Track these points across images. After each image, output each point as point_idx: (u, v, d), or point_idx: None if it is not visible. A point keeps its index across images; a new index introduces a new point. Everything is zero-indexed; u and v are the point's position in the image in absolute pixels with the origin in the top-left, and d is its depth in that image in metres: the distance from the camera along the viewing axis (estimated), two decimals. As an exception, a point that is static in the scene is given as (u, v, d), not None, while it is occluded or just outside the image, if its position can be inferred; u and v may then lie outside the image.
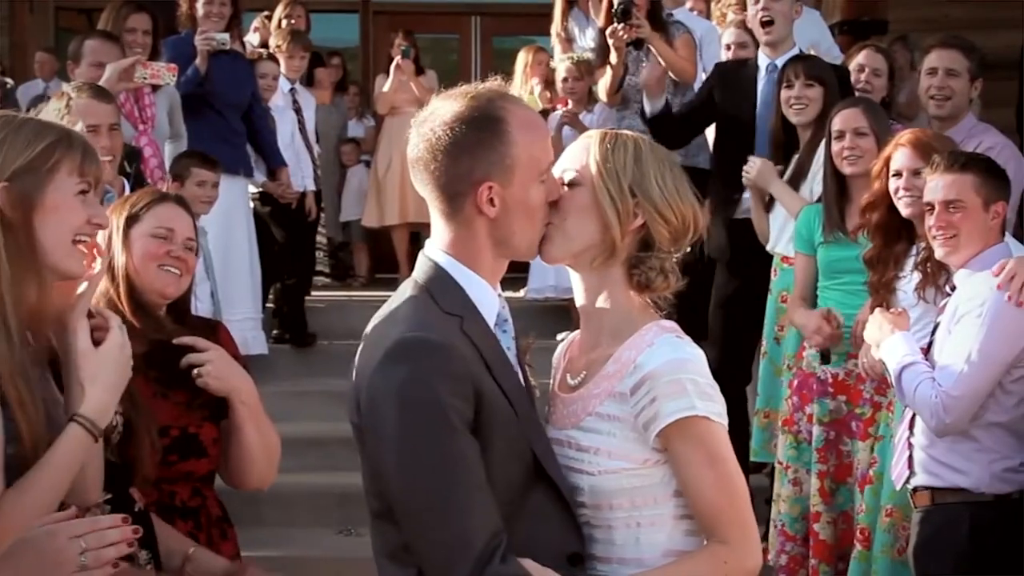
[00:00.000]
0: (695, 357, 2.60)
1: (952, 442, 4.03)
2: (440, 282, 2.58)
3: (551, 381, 2.81)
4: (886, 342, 4.16)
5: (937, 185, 4.15)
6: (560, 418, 2.70)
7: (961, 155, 4.32)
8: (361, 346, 2.60)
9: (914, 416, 4.15)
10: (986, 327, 3.95)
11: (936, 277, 4.40)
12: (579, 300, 2.73)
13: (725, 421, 2.61)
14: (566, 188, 2.65)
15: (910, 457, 4.16)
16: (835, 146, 5.17)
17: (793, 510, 5.17)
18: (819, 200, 5.37)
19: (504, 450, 2.51)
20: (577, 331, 2.84)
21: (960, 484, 4.03)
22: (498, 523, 2.45)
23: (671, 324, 2.66)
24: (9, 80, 10.08)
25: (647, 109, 6.49)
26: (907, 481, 4.17)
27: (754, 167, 5.79)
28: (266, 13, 9.34)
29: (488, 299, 2.60)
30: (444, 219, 2.60)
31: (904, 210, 4.59)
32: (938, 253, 4.18)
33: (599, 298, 2.69)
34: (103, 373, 2.68)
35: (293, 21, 9.05)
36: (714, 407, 2.57)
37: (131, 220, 3.49)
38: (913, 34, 8.52)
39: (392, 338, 2.49)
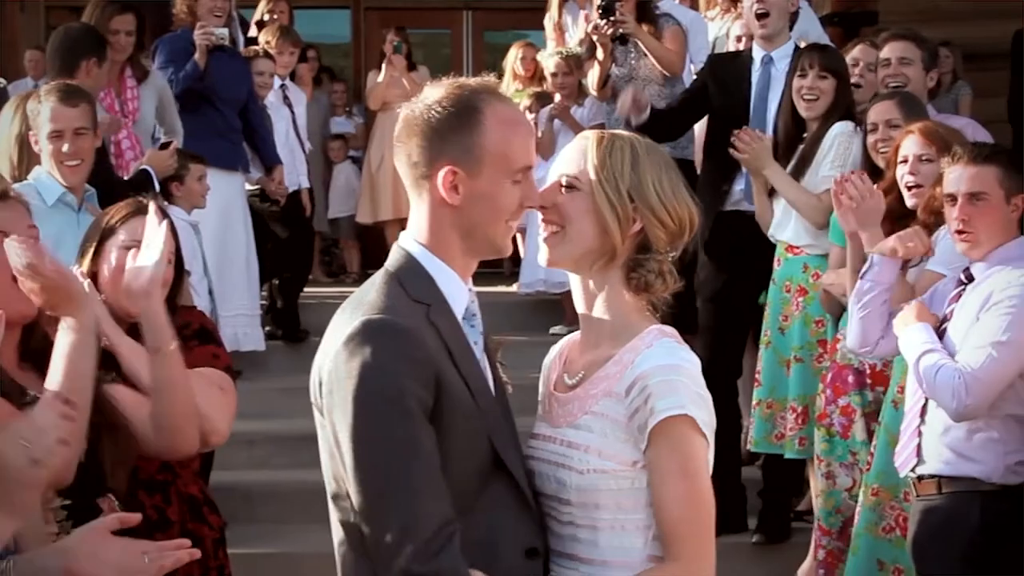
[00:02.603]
0: (691, 363, 2.62)
1: (968, 432, 4.02)
2: (410, 270, 2.59)
3: (546, 381, 2.82)
4: (908, 329, 4.13)
5: (960, 176, 4.13)
6: (556, 417, 2.71)
7: (985, 147, 4.32)
8: (328, 328, 2.60)
9: (925, 405, 4.13)
10: (1017, 315, 3.94)
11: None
12: (578, 303, 2.74)
13: (710, 434, 2.61)
14: (564, 192, 2.67)
15: (918, 446, 4.14)
16: (869, 138, 5.14)
17: (828, 504, 5.10)
18: None
19: (464, 441, 2.51)
20: (573, 332, 2.86)
21: (971, 473, 4.02)
22: (449, 512, 2.44)
23: (671, 330, 2.68)
24: (2, 80, 10.06)
25: (633, 123, 6.31)
26: (912, 469, 4.15)
27: (749, 144, 5.71)
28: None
29: (457, 291, 2.60)
30: (415, 205, 2.62)
31: (907, 196, 4.61)
32: (959, 248, 4.17)
33: (598, 301, 2.70)
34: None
35: (276, 16, 9.06)
36: (702, 415, 2.58)
37: (107, 233, 3.55)
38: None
39: (356, 321, 2.50)
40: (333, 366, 2.50)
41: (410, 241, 2.61)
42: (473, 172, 2.55)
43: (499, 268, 10.14)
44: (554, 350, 2.89)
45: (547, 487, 2.68)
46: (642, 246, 2.66)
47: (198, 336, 3.71)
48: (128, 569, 2.46)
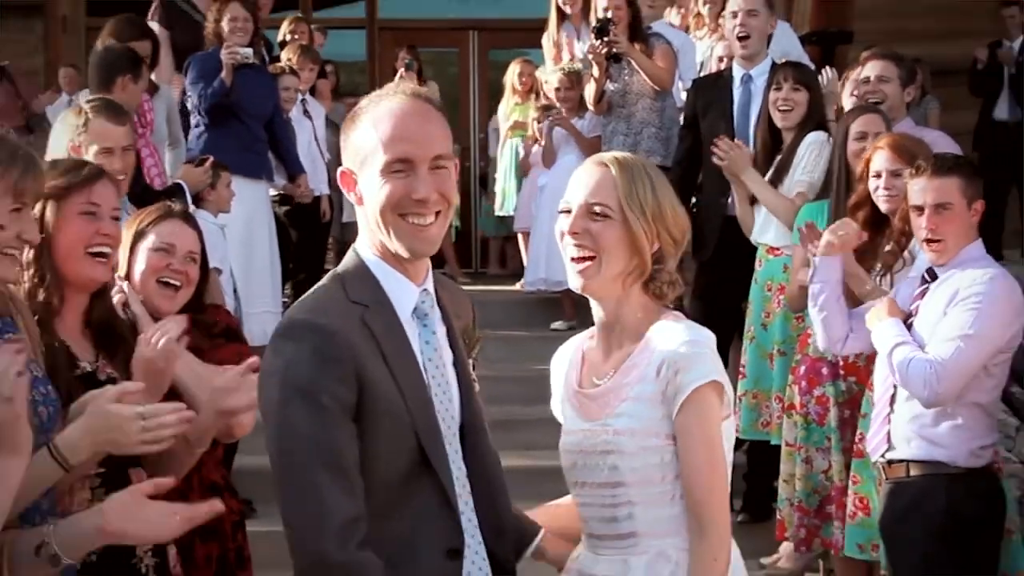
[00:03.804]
0: (709, 338, 2.66)
1: (935, 419, 4.07)
2: (355, 272, 2.53)
3: (566, 382, 2.82)
4: (880, 325, 4.17)
5: (926, 188, 4.14)
6: (591, 411, 2.71)
7: (947, 159, 4.33)
8: None
9: (894, 394, 4.18)
10: (982, 310, 4.00)
11: (892, 267, 4.54)
12: (600, 316, 2.75)
13: (731, 403, 2.67)
14: (594, 220, 2.65)
15: (888, 432, 4.18)
16: (854, 146, 5.07)
17: (807, 486, 5.12)
18: (821, 196, 5.36)
19: (390, 440, 2.43)
20: (578, 333, 2.90)
21: (938, 457, 4.06)
22: (358, 510, 2.37)
23: (678, 314, 2.75)
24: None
25: None
26: (883, 455, 4.20)
27: (727, 152, 5.76)
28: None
29: (403, 292, 2.52)
30: None
31: (883, 206, 4.63)
32: (929, 258, 4.19)
33: (622, 313, 2.72)
34: (92, 418, 2.58)
35: (297, 36, 9.11)
36: (727, 381, 2.65)
37: (137, 236, 3.56)
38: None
39: (286, 318, 2.50)
40: (264, 361, 2.48)
41: (362, 244, 2.55)
42: (361, 173, 2.49)
43: (501, 269, 10.24)
44: (565, 353, 2.89)
45: (597, 476, 2.68)
46: (656, 259, 2.69)
47: (225, 335, 3.72)
48: (160, 526, 2.50)
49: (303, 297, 2.56)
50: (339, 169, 2.54)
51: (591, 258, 2.66)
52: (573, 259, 2.69)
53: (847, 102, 5.75)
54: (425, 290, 2.56)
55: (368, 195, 2.49)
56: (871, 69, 5.62)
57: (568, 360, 2.85)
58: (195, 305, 3.63)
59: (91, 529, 2.46)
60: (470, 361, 2.66)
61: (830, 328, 4.43)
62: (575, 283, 2.71)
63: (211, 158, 6.14)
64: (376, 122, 2.48)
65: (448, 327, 2.61)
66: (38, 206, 2.88)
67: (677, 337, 2.62)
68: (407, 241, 2.48)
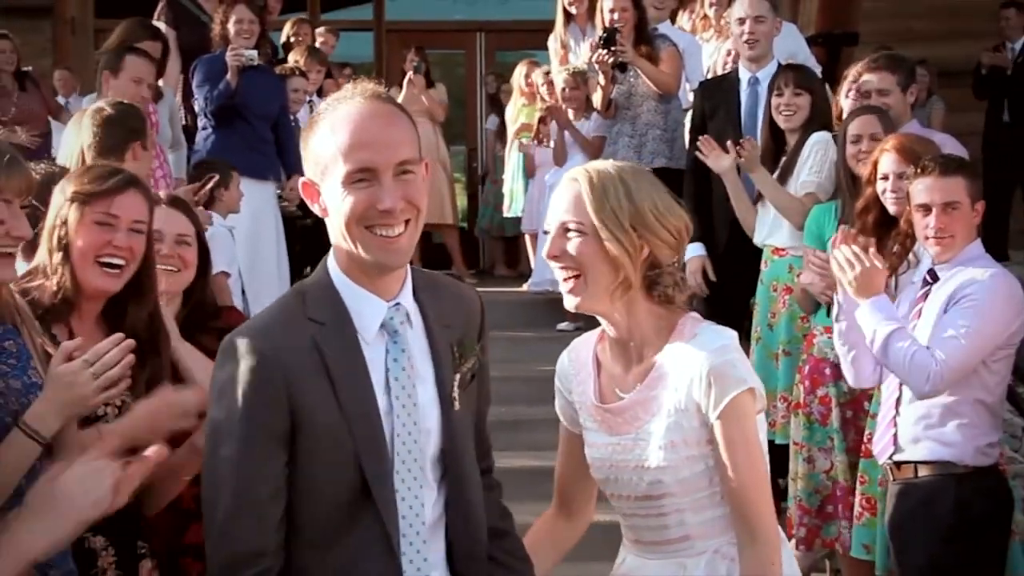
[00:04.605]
0: (734, 338, 2.60)
1: (941, 419, 4.06)
2: (318, 287, 2.37)
3: (580, 394, 2.74)
4: (868, 303, 4.08)
5: (933, 187, 4.14)
6: (618, 426, 2.64)
7: (952, 159, 4.33)
8: None
9: (900, 396, 4.16)
10: (983, 307, 4.00)
11: (897, 269, 4.49)
12: (612, 332, 2.67)
13: (763, 401, 2.61)
14: (569, 238, 2.57)
15: (895, 435, 4.16)
16: (851, 148, 5.08)
17: (809, 486, 5.10)
18: (832, 198, 5.32)
19: (327, 469, 2.29)
20: (586, 337, 2.80)
21: (946, 457, 4.05)
22: (265, 545, 2.26)
23: (696, 316, 2.66)
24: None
25: None
26: (890, 456, 4.17)
27: (747, 151, 5.71)
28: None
29: (368, 310, 2.35)
30: None
31: (891, 207, 4.59)
32: (932, 252, 4.18)
33: (631, 325, 2.63)
34: (48, 386, 2.57)
35: (301, 38, 9.13)
36: (758, 383, 2.58)
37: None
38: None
39: (230, 335, 2.33)
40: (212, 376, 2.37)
41: (331, 257, 2.39)
42: (320, 182, 2.32)
43: (508, 270, 10.17)
44: (574, 359, 2.79)
45: (634, 489, 2.63)
46: (652, 264, 2.60)
47: None
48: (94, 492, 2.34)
49: (260, 312, 2.46)
50: (300, 180, 2.37)
51: (576, 276, 2.60)
52: (563, 280, 2.63)
53: (844, 104, 5.69)
54: (397, 305, 2.38)
55: (332, 207, 2.30)
56: (870, 82, 5.56)
57: (580, 368, 2.75)
58: (204, 307, 3.60)
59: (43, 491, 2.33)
60: (460, 376, 2.45)
61: (859, 365, 4.30)
62: (568, 303, 2.63)
63: (215, 177, 6.01)
64: (334, 128, 2.29)
65: (431, 341, 2.42)
66: (64, 209, 2.99)
67: (704, 345, 2.54)
68: (375, 254, 2.30)
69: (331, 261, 2.37)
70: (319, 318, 2.31)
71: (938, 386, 3.97)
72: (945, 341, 3.99)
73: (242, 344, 2.28)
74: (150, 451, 2.37)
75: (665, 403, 2.56)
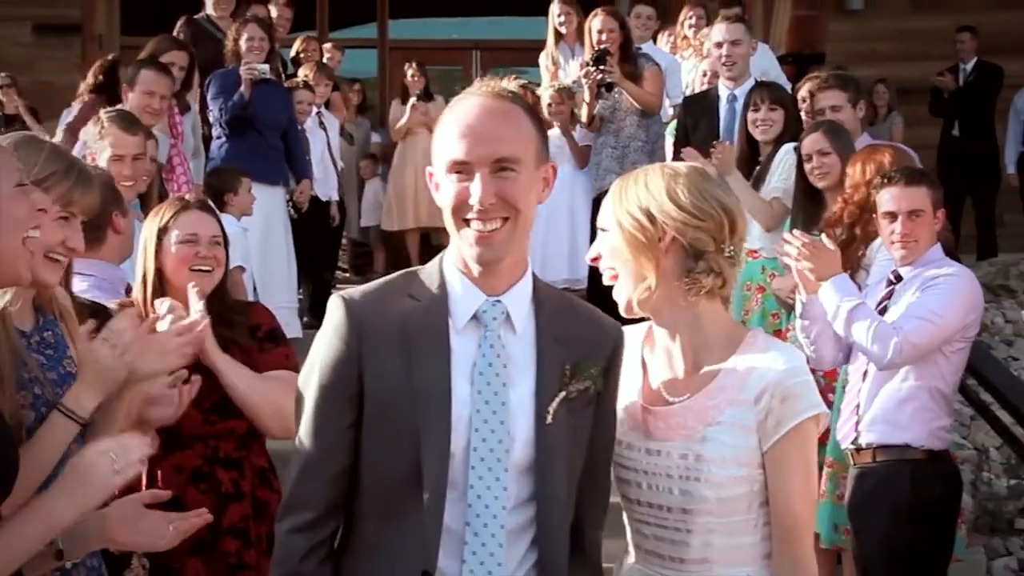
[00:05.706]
0: (803, 359, 2.44)
1: (899, 404, 4.13)
2: (429, 271, 2.31)
3: (626, 391, 2.46)
4: (829, 283, 4.12)
5: (899, 196, 4.20)
6: (664, 430, 2.41)
7: (915, 171, 4.41)
8: None
9: (861, 388, 4.23)
10: (948, 295, 4.11)
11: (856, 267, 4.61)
12: (661, 336, 2.46)
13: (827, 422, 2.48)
14: (602, 239, 2.45)
15: (856, 421, 4.22)
16: (806, 165, 5.19)
17: None
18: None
19: (387, 440, 2.21)
20: (634, 330, 2.56)
21: (903, 440, 4.11)
22: (306, 498, 2.25)
23: (761, 331, 2.52)
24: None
25: None
26: (852, 442, 4.23)
27: (722, 155, 5.80)
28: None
29: (465, 298, 2.26)
30: None
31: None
32: (897, 255, 4.25)
33: (680, 325, 2.42)
34: (80, 368, 2.56)
35: (309, 53, 9.22)
36: (825, 408, 2.41)
37: (161, 232, 3.51)
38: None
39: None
40: None
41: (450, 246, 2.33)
42: (436, 170, 2.28)
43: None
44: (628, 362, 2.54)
45: (663, 499, 2.40)
46: (689, 255, 2.38)
47: (270, 338, 3.59)
48: (156, 534, 2.48)
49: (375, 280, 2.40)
50: (427, 169, 2.32)
51: (615, 276, 2.45)
52: (607, 281, 2.49)
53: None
54: (497, 301, 2.27)
55: (438, 196, 2.25)
56: (823, 100, 5.74)
57: (624, 364, 2.44)
58: (227, 302, 3.62)
59: (94, 533, 2.43)
60: (566, 393, 2.27)
61: (820, 346, 4.30)
62: (620, 306, 2.46)
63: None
64: (448, 120, 2.24)
65: (539, 351, 2.28)
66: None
67: (778, 363, 2.35)
68: (469, 246, 2.21)
69: (449, 249, 2.31)
70: (418, 296, 2.26)
71: (898, 357, 4.01)
72: (909, 319, 4.06)
73: (337, 303, 2.26)
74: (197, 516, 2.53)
75: (724, 414, 2.36)
